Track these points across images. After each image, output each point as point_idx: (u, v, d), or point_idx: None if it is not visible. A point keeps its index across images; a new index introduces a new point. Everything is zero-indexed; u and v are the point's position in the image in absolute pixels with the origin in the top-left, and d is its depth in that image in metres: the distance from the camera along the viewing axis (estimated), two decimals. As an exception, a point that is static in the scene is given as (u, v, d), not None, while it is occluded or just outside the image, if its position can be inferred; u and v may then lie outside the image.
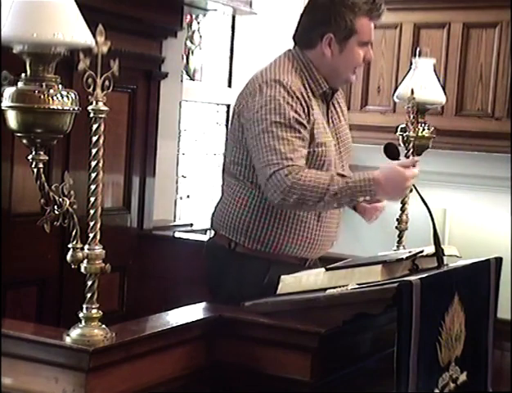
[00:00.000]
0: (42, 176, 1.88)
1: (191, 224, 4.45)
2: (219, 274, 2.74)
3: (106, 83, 1.84)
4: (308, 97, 2.60)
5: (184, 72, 4.83)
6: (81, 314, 1.91)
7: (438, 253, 2.41)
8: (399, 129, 3.19)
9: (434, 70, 3.37)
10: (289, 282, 2.41)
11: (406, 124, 3.15)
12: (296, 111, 2.52)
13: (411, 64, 3.41)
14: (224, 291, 2.69)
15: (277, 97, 2.52)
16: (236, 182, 2.67)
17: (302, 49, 2.69)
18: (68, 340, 1.89)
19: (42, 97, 1.81)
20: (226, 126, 5.31)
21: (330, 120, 2.73)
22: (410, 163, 2.55)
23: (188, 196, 5.14)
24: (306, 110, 2.56)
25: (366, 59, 2.70)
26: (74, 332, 1.89)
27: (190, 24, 5.02)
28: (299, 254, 2.66)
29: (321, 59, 2.66)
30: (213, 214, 2.77)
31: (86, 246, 1.89)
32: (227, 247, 2.70)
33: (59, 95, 1.83)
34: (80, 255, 1.89)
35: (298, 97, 2.54)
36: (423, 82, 3.28)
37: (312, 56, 2.67)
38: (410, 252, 2.39)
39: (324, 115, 2.69)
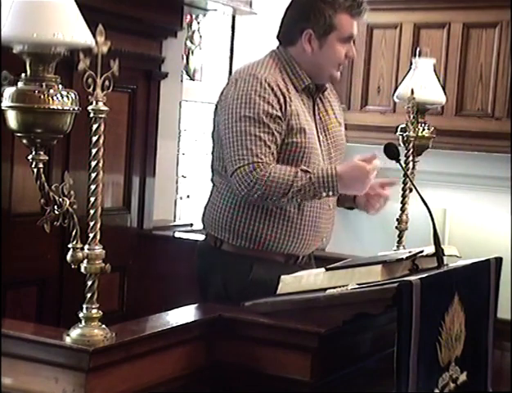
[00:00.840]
0: (42, 176, 1.88)
1: (191, 224, 4.45)
2: (206, 274, 2.77)
3: (106, 83, 1.84)
4: (288, 90, 2.62)
5: (184, 72, 4.83)
6: (81, 314, 1.91)
7: (438, 253, 2.40)
8: (399, 129, 3.19)
9: (434, 70, 3.37)
10: (289, 282, 2.41)
11: (406, 124, 3.14)
12: (269, 102, 2.55)
13: (411, 64, 3.41)
14: (211, 291, 2.72)
15: (249, 90, 2.56)
16: (220, 178, 2.70)
17: (284, 47, 2.72)
18: (68, 340, 1.89)
19: (42, 97, 1.81)
20: (227, 126, 5.30)
21: (317, 116, 2.74)
22: (371, 157, 2.58)
23: (188, 196, 5.14)
24: (282, 101, 2.58)
25: (349, 56, 2.71)
26: (74, 332, 1.89)
27: (190, 24, 5.02)
28: (284, 250, 2.67)
29: (302, 55, 2.68)
30: (203, 214, 2.80)
31: (86, 246, 1.89)
32: (214, 246, 2.73)
33: (59, 95, 1.83)
34: (80, 255, 1.89)
35: (272, 89, 2.57)
36: (423, 82, 3.28)
37: (293, 52, 2.70)
38: (410, 252, 2.39)
39: (309, 109, 2.70)
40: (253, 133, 2.52)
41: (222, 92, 2.70)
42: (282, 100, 2.58)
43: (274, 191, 2.50)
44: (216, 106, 2.72)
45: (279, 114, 2.56)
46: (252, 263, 2.66)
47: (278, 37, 2.77)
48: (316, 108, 2.75)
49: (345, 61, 2.72)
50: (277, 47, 2.75)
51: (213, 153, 2.73)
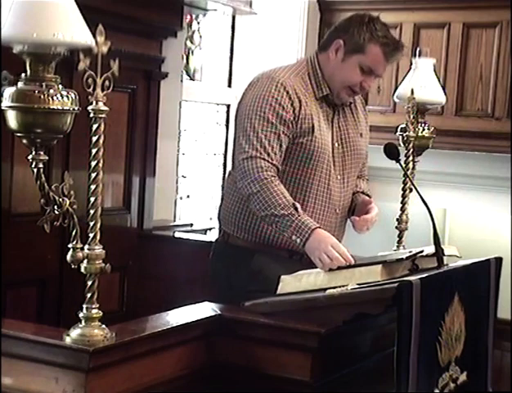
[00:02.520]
0: (42, 176, 1.88)
1: (191, 224, 4.45)
2: (215, 267, 2.85)
3: (106, 83, 1.84)
4: (305, 94, 2.69)
5: (184, 72, 4.83)
6: (81, 314, 1.91)
7: (438, 253, 2.40)
8: (399, 129, 3.19)
9: (434, 70, 3.37)
10: (289, 282, 2.41)
11: (406, 124, 3.14)
12: (280, 104, 2.63)
13: (411, 64, 3.41)
14: (217, 283, 2.80)
15: (265, 91, 2.65)
16: (232, 173, 2.80)
17: (318, 52, 2.80)
18: (68, 340, 1.89)
19: (42, 97, 1.81)
20: (227, 126, 5.32)
21: (335, 124, 2.79)
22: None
23: (188, 196, 5.14)
24: (296, 104, 2.65)
25: (362, 85, 2.74)
26: (74, 332, 1.89)
27: (190, 24, 5.02)
28: (285, 245, 2.70)
29: (326, 62, 2.76)
30: (218, 210, 2.89)
31: (86, 246, 1.89)
32: (222, 239, 2.83)
33: (59, 95, 1.83)
34: (80, 255, 1.89)
35: (288, 92, 2.65)
36: (423, 82, 3.28)
37: (321, 58, 2.78)
38: (410, 252, 2.39)
39: (328, 117, 2.77)
40: (262, 132, 2.60)
41: (243, 93, 2.77)
42: (297, 103, 2.65)
43: (262, 199, 2.56)
44: (238, 103, 2.80)
45: (291, 117, 2.64)
46: (253, 254, 2.71)
47: (320, 43, 2.86)
48: (336, 117, 2.80)
49: (358, 89, 2.75)
50: (314, 53, 2.82)
51: (233, 149, 2.80)
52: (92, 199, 1.88)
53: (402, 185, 3.13)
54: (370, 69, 2.71)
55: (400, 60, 2.81)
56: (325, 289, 2.28)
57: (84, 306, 1.91)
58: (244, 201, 2.72)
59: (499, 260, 2.52)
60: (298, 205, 2.58)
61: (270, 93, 2.64)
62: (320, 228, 2.55)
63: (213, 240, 2.96)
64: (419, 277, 2.13)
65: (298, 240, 2.54)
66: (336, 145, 2.77)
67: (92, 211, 1.89)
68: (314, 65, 2.77)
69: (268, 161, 2.59)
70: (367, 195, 2.90)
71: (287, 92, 2.65)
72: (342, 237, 2.88)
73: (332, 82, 2.74)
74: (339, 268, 2.40)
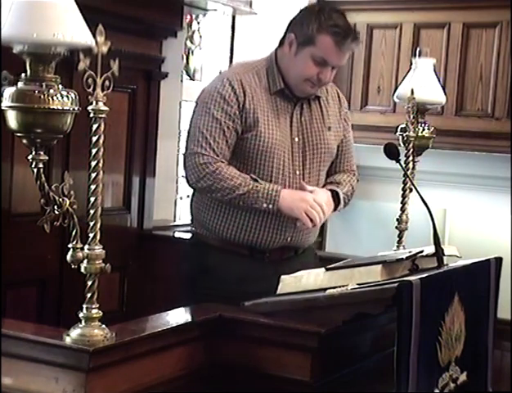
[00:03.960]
0: (42, 176, 1.88)
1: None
2: (182, 266, 2.93)
3: (106, 83, 1.84)
4: (254, 89, 2.71)
5: (184, 72, 4.83)
6: (81, 314, 1.91)
7: (438, 253, 2.41)
8: (399, 129, 3.19)
9: (434, 70, 3.37)
10: (289, 282, 2.41)
11: (406, 124, 3.15)
12: (225, 99, 2.67)
13: (411, 64, 3.41)
14: (183, 283, 2.88)
15: (212, 88, 2.71)
16: None
17: (277, 48, 2.81)
18: (68, 340, 1.89)
19: (42, 97, 1.81)
20: (226, 126, 5.31)
21: (296, 119, 2.77)
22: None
23: (188, 196, 5.13)
24: (241, 98, 2.68)
25: (320, 78, 2.71)
26: (74, 332, 1.89)
27: (190, 24, 5.02)
28: (242, 241, 2.73)
29: (282, 57, 2.77)
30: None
31: (86, 246, 1.89)
32: (192, 237, 2.93)
33: (59, 95, 1.83)
34: (80, 255, 1.89)
35: (233, 86, 2.68)
36: (423, 82, 3.28)
37: (279, 53, 2.79)
38: (410, 252, 2.39)
39: (285, 112, 2.75)
40: (206, 128, 2.66)
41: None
42: (242, 97, 2.68)
43: (220, 188, 2.63)
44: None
45: (236, 110, 2.67)
46: (211, 251, 2.76)
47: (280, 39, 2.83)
48: (297, 111, 2.78)
49: (316, 82, 2.72)
50: (275, 49, 2.82)
51: None
52: (92, 199, 1.88)
53: (402, 185, 3.13)
54: (323, 60, 2.68)
55: (355, 48, 2.74)
56: (325, 289, 2.27)
57: (84, 306, 1.91)
58: (204, 199, 2.77)
59: (499, 260, 2.52)
60: (255, 176, 2.65)
61: (216, 89, 2.69)
62: (281, 187, 2.65)
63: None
64: (419, 277, 2.13)
65: (271, 206, 2.63)
66: (296, 139, 2.76)
67: (92, 211, 1.89)
68: (272, 60, 2.77)
69: (214, 158, 2.63)
70: (337, 183, 2.85)
71: (232, 87, 2.67)
72: (309, 233, 2.84)
73: (289, 76, 2.74)
74: (339, 268, 2.40)
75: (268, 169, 2.70)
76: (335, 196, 2.79)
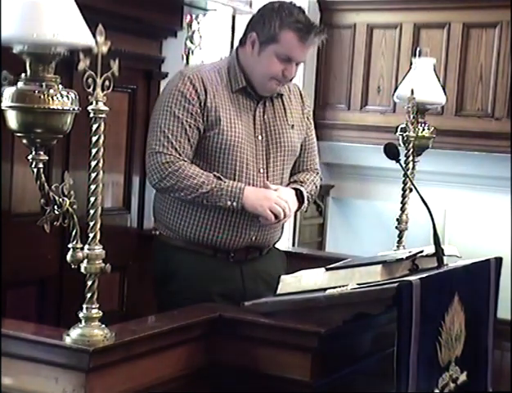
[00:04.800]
0: (42, 176, 1.88)
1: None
2: (153, 266, 2.89)
3: (106, 83, 1.84)
4: (215, 87, 2.69)
5: (184, 72, 4.82)
6: (81, 314, 1.91)
7: (438, 253, 2.41)
8: (399, 129, 3.19)
9: (434, 70, 3.37)
10: (289, 282, 2.41)
11: (406, 124, 3.15)
12: (186, 97, 2.65)
13: (411, 64, 3.41)
14: (154, 282, 2.85)
15: (172, 86, 2.69)
16: None
17: (238, 46, 2.79)
18: (68, 340, 1.89)
19: (42, 97, 1.81)
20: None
21: (259, 118, 2.76)
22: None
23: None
24: (202, 97, 2.66)
25: (285, 75, 2.70)
26: (74, 332, 1.89)
27: (190, 24, 5.01)
28: (205, 241, 2.71)
29: (244, 57, 2.74)
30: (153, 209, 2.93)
31: (86, 246, 1.89)
32: (155, 238, 2.88)
33: (59, 95, 1.83)
34: (80, 255, 1.89)
35: (194, 85, 2.66)
36: (423, 82, 3.28)
37: (240, 53, 2.76)
38: (410, 252, 2.39)
39: (247, 110, 2.74)
40: (168, 127, 2.63)
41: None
42: (203, 95, 2.66)
43: (183, 187, 2.61)
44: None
45: (197, 109, 2.65)
46: (175, 252, 2.74)
47: (240, 38, 2.82)
48: (260, 109, 2.77)
49: (282, 79, 2.71)
50: (235, 48, 2.81)
51: None
52: (92, 199, 1.88)
53: (402, 185, 3.13)
54: (287, 56, 2.67)
55: (318, 43, 2.72)
56: (325, 289, 2.28)
57: (84, 306, 1.91)
58: (166, 199, 2.75)
59: (499, 260, 2.52)
60: (218, 174, 2.64)
61: (176, 87, 2.66)
62: (244, 185, 2.64)
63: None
64: (419, 277, 2.13)
65: (235, 203, 2.62)
66: (260, 138, 2.75)
67: (92, 211, 1.89)
68: (233, 59, 2.76)
69: (176, 157, 2.61)
70: (301, 182, 2.85)
71: (193, 86, 2.65)
72: (273, 232, 2.83)
73: (254, 76, 2.72)
74: (339, 268, 2.40)
75: (232, 167, 2.68)
76: (299, 194, 2.79)
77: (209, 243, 2.72)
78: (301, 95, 2.91)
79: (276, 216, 2.64)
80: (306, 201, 2.81)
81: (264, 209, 2.63)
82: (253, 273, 2.75)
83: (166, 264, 2.77)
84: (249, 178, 2.70)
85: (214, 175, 2.63)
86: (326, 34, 2.73)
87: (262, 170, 2.73)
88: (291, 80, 2.79)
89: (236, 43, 2.86)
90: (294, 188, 2.79)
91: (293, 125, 2.83)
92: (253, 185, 2.69)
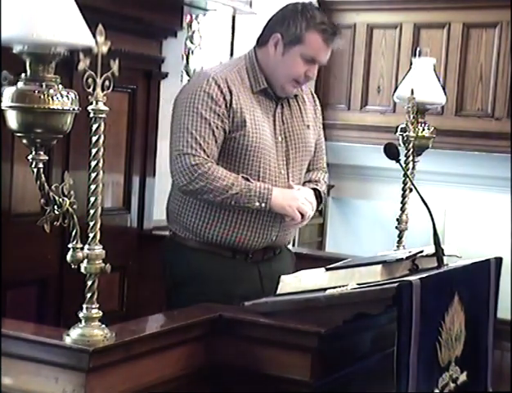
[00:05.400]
0: (42, 176, 1.88)
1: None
2: (163, 265, 2.90)
3: (106, 83, 1.84)
4: (238, 88, 2.67)
5: (184, 72, 4.82)
6: (81, 314, 1.91)
7: (438, 253, 2.41)
8: (399, 129, 3.19)
9: (434, 70, 3.37)
10: (289, 282, 2.41)
11: (406, 124, 3.15)
12: (213, 98, 2.63)
13: (411, 64, 3.41)
14: (166, 281, 2.86)
15: (197, 86, 2.65)
16: None
17: (256, 47, 2.77)
18: (68, 340, 1.89)
19: (42, 97, 1.81)
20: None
21: (277, 118, 2.77)
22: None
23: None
24: (227, 97, 2.64)
25: (307, 75, 2.72)
26: (74, 332, 1.89)
27: (190, 24, 5.02)
28: (225, 243, 2.71)
29: (266, 57, 2.73)
30: (166, 210, 2.91)
31: (86, 246, 1.89)
32: (170, 237, 2.87)
33: (59, 95, 1.83)
34: (80, 255, 1.89)
35: (219, 85, 2.64)
36: (423, 82, 3.28)
37: (260, 54, 2.75)
38: (410, 252, 2.39)
39: (268, 111, 2.74)
40: (195, 128, 2.61)
41: (180, 90, 2.79)
42: (228, 96, 2.65)
43: (213, 188, 2.59)
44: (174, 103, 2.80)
45: (223, 110, 2.64)
46: (194, 254, 2.73)
47: (257, 38, 2.81)
48: (279, 111, 2.78)
49: (303, 80, 2.73)
50: (252, 48, 2.80)
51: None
52: (92, 199, 1.88)
53: (402, 185, 3.13)
54: (312, 58, 2.68)
55: (340, 45, 2.74)
56: (325, 289, 2.28)
57: (84, 306, 1.91)
58: (186, 201, 2.73)
59: (499, 260, 2.52)
60: (246, 176, 2.63)
61: (201, 88, 2.63)
62: (272, 186, 2.65)
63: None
64: (419, 277, 2.13)
65: (263, 204, 2.62)
66: (279, 139, 2.75)
67: (92, 211, 1.89)
68: (252, 60, 2.74)
69: (204, 158, 2.60)
70: (315, 182, 2.87)
71: (218, 86, 2.63)
72: (290, 232, 2.85)
73: (275, 76, 2.72)
74: (339, 268, 2.40)
75: (256, 169, 2.68)
76: (318, 194, 2.81)
77: (229, 245, 2.72)
78: (312, 95, 2.94)
79: (303, 216, 2.67)
80: (322, 201, 2.84)
81: (293, 209, 2.65)
82: (269, 272, 2.75)
83: (184, 265, 2.76)
84: (271, 179, 2.71)
85: (242, 177, 2.63)
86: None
87: (282, 171, 2.75)
88: (310, 81, 2.81)
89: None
90: (313, 188, 2.81)
91: (308, 125, 2.85)
92: (275, 186, 2.70)
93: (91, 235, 1.89)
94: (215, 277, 2.68)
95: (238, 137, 2.65)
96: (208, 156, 2.61)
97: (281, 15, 2.74)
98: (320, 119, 2.95)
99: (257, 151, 2.67)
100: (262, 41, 2.75)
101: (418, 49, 3.41)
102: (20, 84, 1.84)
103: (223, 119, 2.63)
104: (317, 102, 2.96)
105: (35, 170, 1.87)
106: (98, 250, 1.89)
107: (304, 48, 2.66)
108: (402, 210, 3.18)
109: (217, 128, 2.62)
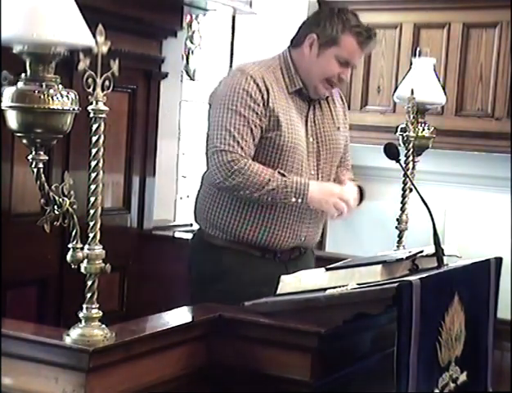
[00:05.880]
0: (42, 176, 1.88)
1: (191, 224, 4.45)
2: (190, 264, 2.90)
3: (106, 83, 1.84)
4: (275, 88, 2.69)
5: (184, 72, 4.82)
6: (81, 314, 1.91)
7: (438, 253, 2.41)
8: (399, 129, 3.19)
9: (434, 70, 3.37)
10: (289, 282, 2.41)
11: (406, 124, 3.15)
12: (251, 96, 2.64)
13: (411, 64, 3.41)
14: (193, 280, 2.85)
15: (235, 84, 2.66)
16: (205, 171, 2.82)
17: (290, 48, 2.79)
18: (68, 340, 1.89)
19: (42, 97, 1.81)
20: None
21: (310, 119, 2.79)
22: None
23: (188, 196, 5.13)
24: (265, 96, 2.65)
25: (340, 77, 2.75)
26: (74, 332, 1.89)
27: (190, 24, 5.01)
28: (256, 242, 2.72)
29: (300, 58, 2.75)
30: (194, 208, 2.90)
31: (86, 246, 1.89)
32: (198, 236, 2.87)
33: (59, 95, 1.83)
34: (80, 255, 1.89)
35: (257, 84, 2.65)
36: (423, 82, 3.28)
37: (295, 54, 2.77)
38: (410, 252, 2.39)
39: (301, 111, 2.77)
40: (233, 125, 2.61)
41: (215, 87, 2.79)
42: (266, 95, 2.66)
43: (249, 184, 2.59)
44: (209, 100, 2.80)
45: (262, 109, 2.65)
46: (224, 252, 2.74)
47: (291, 39, 2.83)
48: (311, 112, 2.80)
49: (336, 81, 2.75)
50: (286, 49, 2.81)
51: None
52: (92, 199, 1.88)
53: (402, 185, 3.13)
54: (346, 60, 2.72)
55: (374, 48, 2.81)
56: (325, 289, 2.28)
57: (84, 306, 1.91)
58: (217, 198, 2.74)
59: (499, 260, 2.52)
60: (282, 171, 2.64)
61: (240, 86, 2.64)
62: (308, 180, 2.65)
63: (191, 235, 3.00)
64: (419, 277, 2.13)
65: (300, 199, 2.62)
66: (311, 140, 2.77)
67: (92, 211, 1.89)
68: (286, 60, 2.76)
69: (240, 155, 2.60)
70: (352, 180, 2.88)
71: (257, 85, 2.65)
72: (317, 233, 2.88)
73: (309, 76, 2.74)
74: (339, 268, 2.40)
75: (289, 169, 2.69)
76: (360, 192, 2.83)
77: (259, 244, 2.73)
78: (341, 96, 2.97)
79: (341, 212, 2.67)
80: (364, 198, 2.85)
81: (330, 205, 2.65)
82: (296, 272, 2.76)
83: (213, 263, 2.76)
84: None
85: (279, 172, 2.63)
86: None
87: (313, 172, 2.77)
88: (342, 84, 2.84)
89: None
90: (358, 186, 2.84)
91: (338, 127, 2.87)
92: None
93: (91, 235, 1.89)
94: (244, 276, 2.69)
95: (273, 137, 2.67)
96: (244, 153, 2.61)
97: (318, 16, 2.78)
98: (348, 121, 2.97)
99: (291, 151, 2.69)
100: (296, 42, 2.78)
101: (418, 49, 3.41)
102: (20, 84, 1.84)
103: (261, 117, 2.65)
104: (345, 103, 2.99)
105: (35, 170, 1.87)
106: (98, 250, 1.89)
107: (339, 50, 2.70)
108: (402, 210, 3.18)
109: (255, 126, 2.63)
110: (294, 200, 2.62)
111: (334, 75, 2.73)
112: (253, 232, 2.72)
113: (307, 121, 2.78)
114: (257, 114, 2.63)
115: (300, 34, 2.78)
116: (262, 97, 2.65)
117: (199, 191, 2.87)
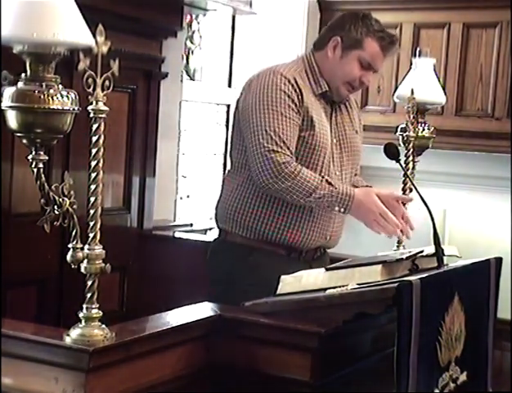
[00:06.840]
0: (42, 176, 1.88)
1: (191, 224, 4.45)
2: (212, 266, 2.87)
3: (106, 83, 1.84)
4: (304, 89, 2.70)
5: (184, 72, 4.82)
6: (81, 314, 1.91)
7: (438, 253, 2.41)
8: (399, 129, 3.19)
9: (434, 70, 3.37)
10: (289, 282, 2.41)
11: (406, 124, 3.15)
12: (289, 96, 2.64)
13: (411, 64, 3.41)
14: (220, 283, 2.79)
15: (270, 83, 2.66)
16: (230, 172, 2.82)
17: (314, 51, 2.83)
18: (68, 340, 1.89)
19: (42, 97, 1.81)
20: (227, 126, 5.31)
21: (334, 122, 2.82)
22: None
23: (188, 196, 5.13)
24: (299, 96, 2.67)
25: (362, 80, 2.79)
26: (74, 332, 1.89)
27: (190, 24, 5.02)
28: (282, 241, 2.72)
29: (324, 60, 2.78)
30: (215, 210, 2.89)
31: (86, 246, 1.89)
32: (220, 237, 2.85)
33: (59, 95, 1.83)
34: (80, 255, 1.89)
35: (292, 84, 2.66)
36: (423, 82, 3.28)
37: (318, 57, 2.80)
38: (410, 252, 2.39)
39: (326, 114, 2.80)
40: (278, 125, 2.61)
41: (243, 88, 2.78)
42: (300, 95, 2.68)
43: (298, 190, 2.59)
44: (237, 101, 2.79)
45: (298, 107, 2.67)
46: (251, 252, 2.73)
47: (314, 42, 2.87)
48: (334, 114, 2.83)
49: (357, 85, 2.80)
50: (309, 52, 2.84)
51: (231, 148, 2.82)
52: (92, 199, 1.88)
53: (402, 185, 3.13)
54: (368, 63, 2.75)
55: (395, 54, 2.84)
56: (325, 289, 2.28)
57: (84, 306, 1.91)
58: (243, 198, 2.73)
59: (499, 260, 2.52)
60: (329, 178, 2.64)
61: (276, 86, 2.65)
62: (354, 191, 2.64)
63: (212, 239, 2.97)
64: (419, 277, 2.13)
65: (342, 209, 2.63)
66: (334, 141, 2.80)
67: (92, 211, 1.89)
68: (311, 62, 2.79)
69: (288, 155, 2.60)
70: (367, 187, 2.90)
71: (292, 85, 2.67)
72: (340, 233, 2.90)
73: (332, 78, 2.77)
74: (339, 268, 2.40)
75: (317, 169, 2.70)
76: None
77: (285, 243, 2.74)
78: (355, 101, 3.00)
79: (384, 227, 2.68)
80: None
81: (370, 220, 2.66)
82: None
83: (237, 262, 2.75)
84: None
85: (327, 180, 2.63)
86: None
87: (337, 173, 2.79)
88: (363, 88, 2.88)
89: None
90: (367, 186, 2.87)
91: (356, 131, 2.90)
92: None
93: (91, 235, 1.89)
94: (269, 275, 2.65)
95: (306, 137, 2.68)
96: (291, 154, 2.61)
97: (342, 20, 2.80)
98: (362, 125, 3.00)
99: (323, 151, 2.71)
100: (320, 44, 2.81)
101: (418, 49, 3.41)
102: (20, 84, 1.84)
103: (299, 117, 2.67)
104: (359, 110, 3.02)
105: (35, 170, 1.87)
106: (98, 250, 1.89)
107: (362, 53, 2.73)
108: (402, 209, 3.17)
109: (296, 125, 2.65)
110: (337, 208, 2.64)
111: (355, 78, 2.76)
112: (280, 232, 2.72)
113: (330, 123, 2.80)
114: (295, 113, 2.65)
115: (324, 37, 2.81)
116: (298, 97, 2.67)
117: (221, 193, 2.85)
